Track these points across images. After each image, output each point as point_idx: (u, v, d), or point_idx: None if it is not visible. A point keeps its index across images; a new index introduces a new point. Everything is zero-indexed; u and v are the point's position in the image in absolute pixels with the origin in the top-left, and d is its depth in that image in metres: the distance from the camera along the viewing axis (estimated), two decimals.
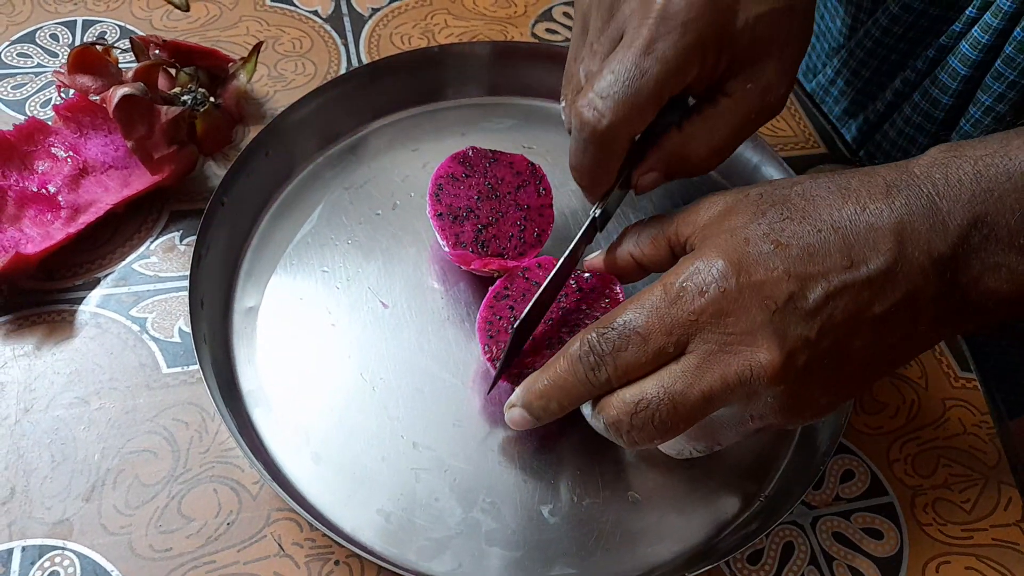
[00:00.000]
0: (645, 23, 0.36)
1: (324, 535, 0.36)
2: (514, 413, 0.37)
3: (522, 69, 0.54)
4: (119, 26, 0.57)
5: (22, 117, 0.51)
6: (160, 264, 0.46)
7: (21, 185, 0.45)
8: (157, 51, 0.50)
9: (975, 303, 0.32)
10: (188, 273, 0.41)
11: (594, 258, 0.41)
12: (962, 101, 0.52)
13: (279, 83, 0.55)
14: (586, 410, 0.36)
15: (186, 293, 0.43)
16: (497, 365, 0.39)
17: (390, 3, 0.61)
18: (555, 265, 0.39)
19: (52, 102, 0.51)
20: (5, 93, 0.52)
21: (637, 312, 0.33)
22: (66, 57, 0.47)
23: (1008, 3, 0.47)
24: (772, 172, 0.49)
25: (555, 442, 0.41)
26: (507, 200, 0.44)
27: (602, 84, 0.36)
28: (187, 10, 0.58)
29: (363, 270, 0.46)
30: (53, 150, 0.46)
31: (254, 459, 0.36)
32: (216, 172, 0.50)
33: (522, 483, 0.40)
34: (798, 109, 0.58)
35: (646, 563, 0.38)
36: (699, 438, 0.35)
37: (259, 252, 0.46)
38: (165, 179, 0.46)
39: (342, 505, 0.38)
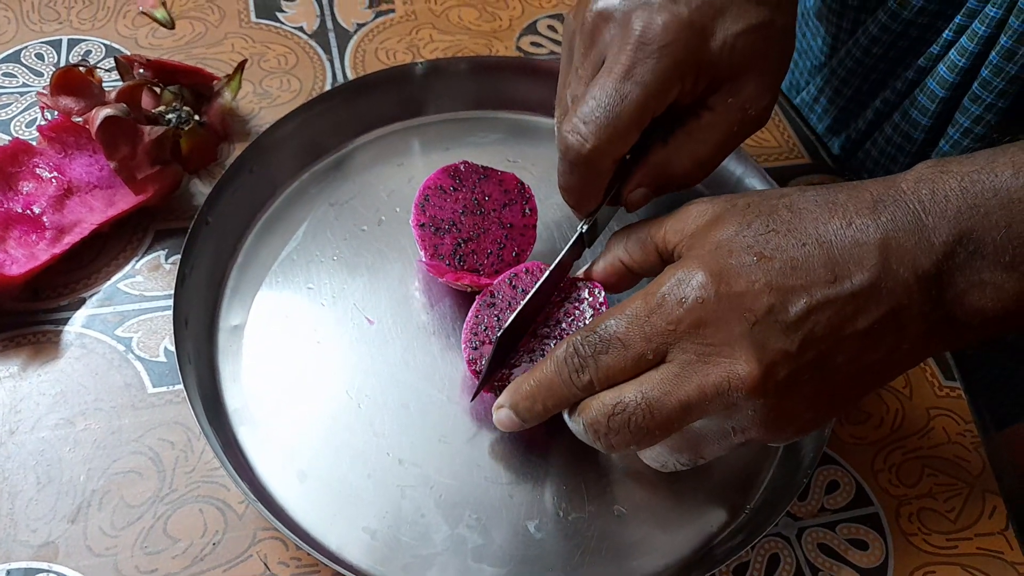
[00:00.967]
0: (624, 49, 0.37)
1: (309, 554, 0.36)
2: (501, 414, 0.38)
3: (507, 83, 0.54)
4: (104, 44, 0.57)
5: (7, 137, 0.51)
6: (145, 283, 0.46)
7: (5, 206, 0.45)
8: (142, 70, 0.50)
9: (960, 321, 0.32)
10: (173, 291, 0.41)
11: (586, 267, 0.41)
12: (941, 122, 0.52)
13: (264, 100, 0.55)
14: (567, 414, 0.36)
15: (171, 312, 0.43)
16: (480, 375, 0.40)
17: (375, 18, 0.61)
18: (543, 270, 0.40)
19: (37, 122, 0.51)
20: None
21: (619, 319, 0.34)
22: (51, 77, 0.47)
23: (983, 28, 0.47)
24: (755, 184, 0.50)
25: (541, 457, 0.41)
26: (491, 217, 0.45)
27: (585, 109, 0.37)
28: (172, 27, 0.58)
29: (349, 286, 0.46)
30: (38, 171, 0.46)
31: (239, 479, 0.36)
32: (201, 190, 0.50)
33: (508, 498, 0.40)
34: (782, 120, 0.59)
35: None
36: (682, 450, 0.35)
37: (244, 270, 0.46)
38: (150, 198, 0.46)
39: (328, 523, 0.38)
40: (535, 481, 0.40)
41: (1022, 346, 0.58)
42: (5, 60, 0.55)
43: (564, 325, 0.40)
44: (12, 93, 0.53)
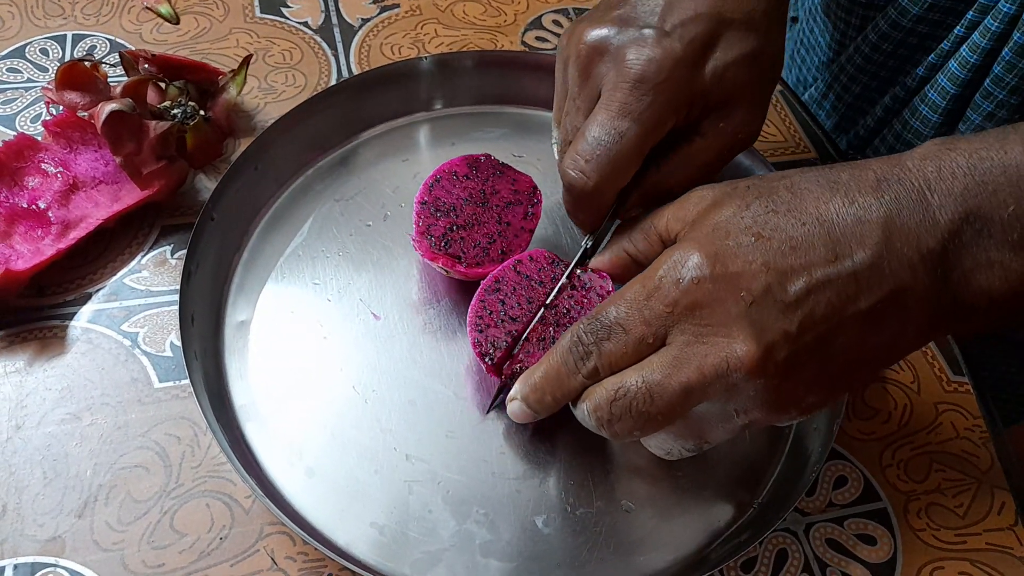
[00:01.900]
0: (620, 86, 0.38)
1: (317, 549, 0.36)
2: (514, 406, 0.38)
3: (512, 78, 0.54)
4: (109, 40, 0.57)
5: (12, 132, 0.51)
6: (151, 278, 0.46)
7: (11, 201, 0.45)
8: (146, 65, 0.50)
9: (967, 302, 0.32)
10: (179, 288, 0.41)
11: (593, 258, 0.42)
12: (953, 119, 0.52)
13: (269, 95, 0.55)
14: (572, 404, 0.36)
15: (177, 308, 0.43)
16: (485, 359, 0.40)
17: (380, 13, 0.61)
18: (547, 259, 0.42)
19: (42, 117, 0.51)
20: None
21: (619, 305, 0.34)
22: (56, 72, 0.47)
23: (995, 24, 0.47)
24: None
25: (548, 453, 0.41)
26: (492, 211, 0.45)
27: (585, 147, 0.38)
28: (177, 23, 0.58)
29: (354, 282, 0.46)
30: (43, 166, 0.46)
31: (246, 474, 0.36)
32: (207, 185, 0.50)
33: (515, 494, 0.40)
34: (788, 115, 0.59)
35: (640, 572, 0.38)
36: (686, 436, 0.35)
37: (250, 265, 0.46)
38: (155, 194, 0.46)
39: (335, 519, 0.38)
40: (542, 476, 0.40)
41: None
42: (10, 56, 0.55)
43: (573, 314, 0.40)
44: (17, 88, 0.53)
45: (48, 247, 0.44)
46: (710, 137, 0.40)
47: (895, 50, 0.54)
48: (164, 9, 0.58)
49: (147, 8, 0.59)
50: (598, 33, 0.39)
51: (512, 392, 0.38)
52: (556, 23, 0.62)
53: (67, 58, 0.55)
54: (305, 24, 0.60)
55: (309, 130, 0.50)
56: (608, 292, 0.40)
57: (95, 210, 0.46)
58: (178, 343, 0.43)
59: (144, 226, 0.48)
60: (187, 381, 0.41)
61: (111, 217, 0.45)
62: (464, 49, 0.59)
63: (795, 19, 0.68)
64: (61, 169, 0.46)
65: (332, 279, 0.46)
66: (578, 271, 0.41)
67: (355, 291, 0.46)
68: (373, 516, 0.38)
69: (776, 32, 0.40)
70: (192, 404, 0.41)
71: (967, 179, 0.31)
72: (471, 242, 0.44)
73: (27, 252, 0.43)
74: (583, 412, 0.35)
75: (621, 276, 0.41)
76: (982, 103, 0.49)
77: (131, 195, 0.46)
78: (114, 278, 0.45)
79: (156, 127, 0.45)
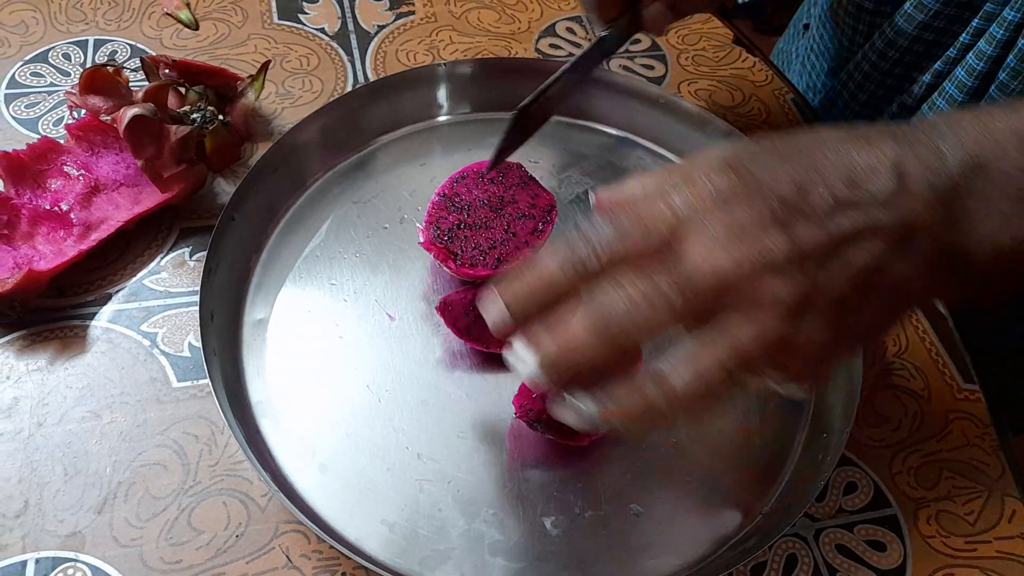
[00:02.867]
0: None
1: (331, 547, 0.36)
2: (491, 309, 0.33)
3: (526, 85, 0.55)
4: (130, 45, 0.58)
5: (35, 135, 0.52)
6: (170, 279, 0.46)
7: (34, 203, 0.46)
8: (167, 71, 0.51)
9: (973, 254, 0.32)
10: (197, 288, 0.42)
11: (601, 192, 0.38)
12: None
13: (286, 100, 0.56)
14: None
15: (195, 308, 0.44)
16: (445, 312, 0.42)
17: (395, 20, 0.62)
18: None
19: (64, 121, 0.52)
20: (19, 112, 0.53)
21: (634, 205, 0.32)
22: (78, 76, 0.48)
23: (1000, 31, 0.47)
24: None
25: (559, 455, 0.41)
26: (503, 219, 0.45)
27: None
28: (196, 28, 0.59)
29: (370, 283, 0.47)
30: (65, 169, 0.47)
31: (262, 471, 0.37)
32: (225, 189, 0.51)
33: (525, 495, 0.40)
34: (799, 119, 0.59)
35: None
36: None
37: (268, 265, 0.47)
38: (175, 196, 0.47)
39: (348, 515, 0.39)
40: (552, 478, 0.41)
41: None
42: (33, 60, 0.56)
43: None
44: (40, 92, 0.54)
45: (70, 248, 0.45)
46: None
47: (901, 57, 0.55)
48: (184, 15, 0.59)
49: (167, 14, 0.60)
50: None
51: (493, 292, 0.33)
52: (570, 30, 0.63)
53: (89, 63, 0.56)
54: (322, 30, 0.60)
55: (328, 134, 0.51)
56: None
57: (116, 212, 0.47)
58: (196, 343, 0.44)
59: (163, 228, 0.48)
60: (205, 381, 0.42)
61: (131, 219, 0.46)
62: (478, 56, 0.60)
63: (807, 26, 0.68)
64: (83, 172, 0.47)
65: (348, 280, 0.47)
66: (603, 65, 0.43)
67: (371, 292, 0.46)
68: (384, 513, 0.39)
69: None
70: (209, 404, 0.42)
71: (977, 135, 0.32)
72: (472, 243, 0.44)
73: (49, 253, 0.44)
74: (597, 308, 0.31)
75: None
76: None
77: (151, 198, 0.47)
78: (134, 279, 0.46)
79: (176, 131, 0.46)
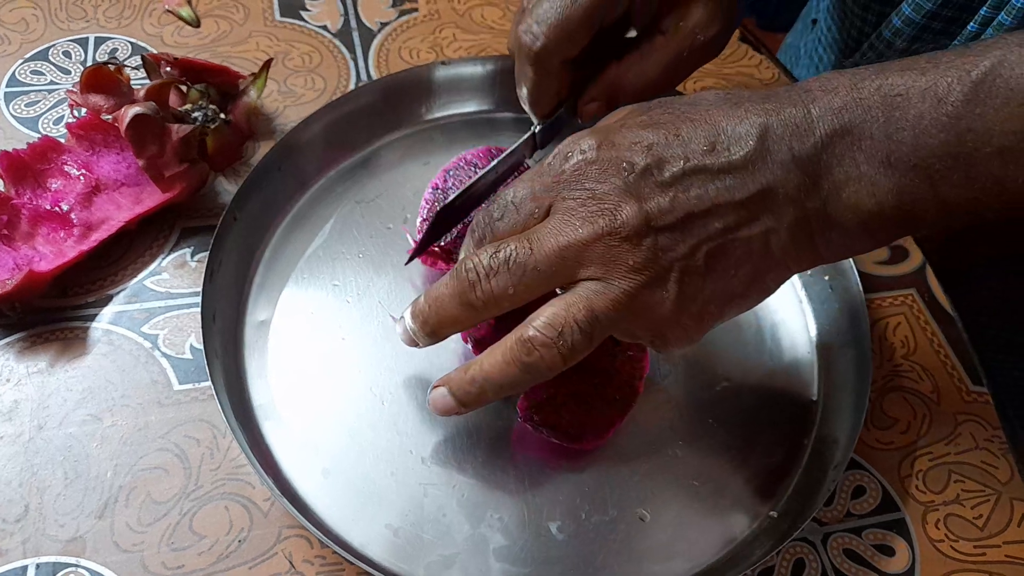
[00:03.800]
0: None
1: (335, 552, 0.36)
2: (403, 327, 0.38)
3: None
4: (131, 42, 0.57)
5: (35, 134, 0.51)
6: (172, 281, 0.46)
7: (34, 203, 0.45)
8: (168, 68, 0.50)
9: (835, 219, 0.33)
10: (199, 290, 0.41)
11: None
12: None
13: (289, 98, 0.55)
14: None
15: (197, 310, 0.44)
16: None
17: (398, 17, 0.61)
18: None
19: (65, 119, 0.52)
20: (19, 110, 0.53)
21: (514, 186, 0.36)
22: (78, 74, 0.47)
23: (1009, 19, 0.47)
24: None
25: (564, 459, 0.41)
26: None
27: (539, 11, 0.40)
28: (198, 26, 0.59)
29: (374, 284, 0.46)
30: (66, 168, 0.46)
31: (265, 476, 0.36)
32: (227, 188, 0.50)
33: (530, 499, 0.40)
34: None
35: None
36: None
37: (271, 266, 0.47)
38: (176, 196, 0.46)
39: (351, 520, 0.38)
40: (558, 482, 0.40)
41: None
42: (33, 58, 0.56)
43: None
44: (40, 91, 0.54)
45: (70, 249, 0.44)
46: (670, 35, 0.41)
47: (908, 47, 0.54)
48: (185, 12, 0.59)
49: (168, 11, 0.59)
50: None
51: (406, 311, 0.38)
52: None
53: (89, 61, 0.56)
54: (324, 28, 0.60)
55: (331, 133, 0.50)
56: None
57: (117, 212, 0.46)
58: (198, 345, 0.43)
59: (164, 228, 0.48)
60: (206, 383, 0.42)
61: (132, 219, 0.46)
62: (482, 54, 0.59)
63: (815, 21, 0.68)
64: (84, 171, 0.47)
65: (352, 281, 0.46)
66: (527, 160, 0.43)
67: (374, 293, 0.46)
68: (388, 518, 0.39)
69: None
70: (211, 407, 0.41)
71: (847, 97, 0.32)
72: (454, 231, 0.44)
73: (49, 254, 0.44)
74: (455, 279, 0.35)
75: None
76: None
77: (152, 197, 0.46)
78: (135, 280, 0.46)
79: (178, 130, 0.46)
